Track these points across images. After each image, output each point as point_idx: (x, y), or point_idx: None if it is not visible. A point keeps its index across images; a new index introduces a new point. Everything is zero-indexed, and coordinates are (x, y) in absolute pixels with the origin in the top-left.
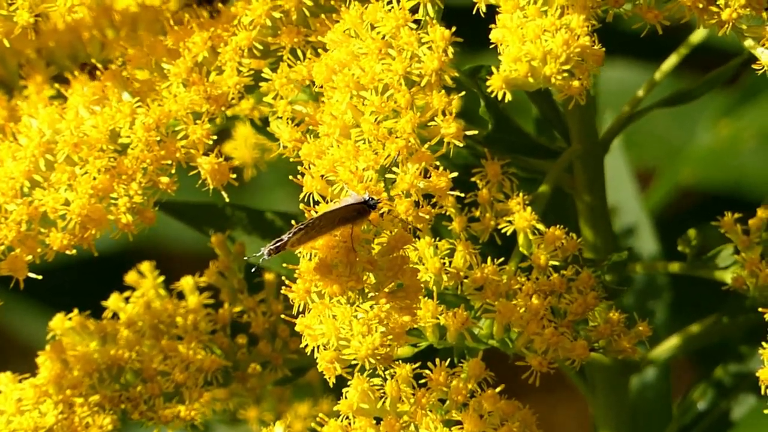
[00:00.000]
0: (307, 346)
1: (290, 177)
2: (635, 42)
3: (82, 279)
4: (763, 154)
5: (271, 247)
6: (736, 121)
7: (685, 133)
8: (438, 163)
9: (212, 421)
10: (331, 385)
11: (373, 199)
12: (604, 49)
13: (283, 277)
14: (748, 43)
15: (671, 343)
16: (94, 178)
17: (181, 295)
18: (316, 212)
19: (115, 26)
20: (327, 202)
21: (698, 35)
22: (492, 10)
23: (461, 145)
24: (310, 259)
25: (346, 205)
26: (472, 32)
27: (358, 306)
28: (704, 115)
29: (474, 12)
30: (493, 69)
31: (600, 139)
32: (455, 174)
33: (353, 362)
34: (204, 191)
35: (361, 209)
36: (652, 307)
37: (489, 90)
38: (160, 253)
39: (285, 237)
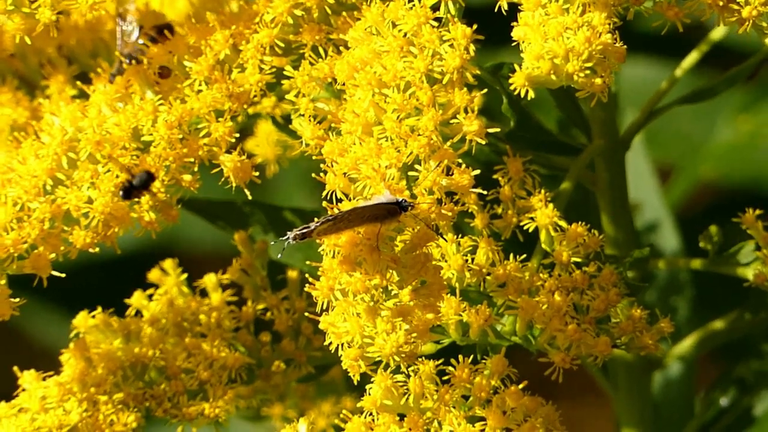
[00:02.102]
0: (330, 343)
1: (313, 175)
2: (658, 40)
3: (105, 283)
4: None
5: (297, 233)
6: (756, 117)
7: (706, 129)
8: (460, 160)
9: (236, 418)
10: (355, 382)
11: (405, 201)
12: (625, 46)
13: (307, 275)
14: None
15: (693, 339)
16: (117, 176)
17: (204, 293)
18: (338, 209)
19: None
20: (349, 200)
21: (719, 32)
22: (513, 9)
23: (483, 142)
24: (333, 257)
25: (378, 203)
26: (492, 32)
27: (381, 303)
28: (724, 112)
29: (495, 10)
30: (516, 67)
31: (621, 136)
32: (477, 171)
33: (377, 359)
34: (225, 189)
35: (392, 209)
36: (674, 304)
37: (511, 87)
38: (182, 256)
39: (312, 225)
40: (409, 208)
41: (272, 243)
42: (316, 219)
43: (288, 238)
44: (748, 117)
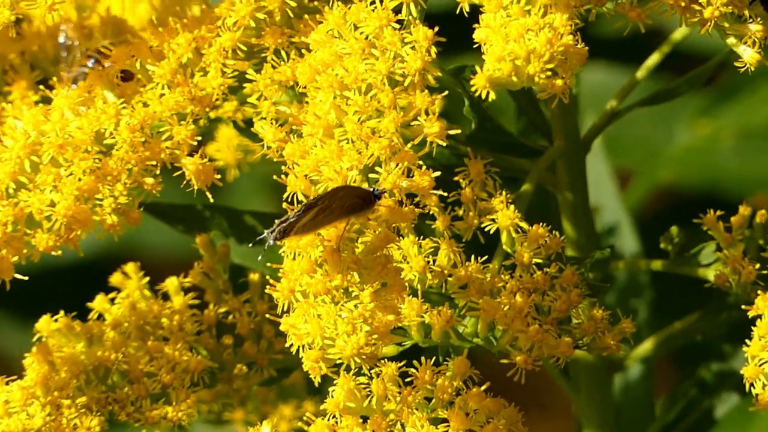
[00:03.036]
0: (292, 345)
1: (274, 177)
2: (616, 46)
3: (67, 288)
4: (741, 153)
5: (278, 228)
6: (715, 121)
7: (664, 134)
8: (421, 162)
9: (198, 422)
10: (316, 384)
11: (377, 190)
12: (587, 47)
13: (268, 277)
14: (731, 41)
15: (654, 341)
16: (80, 180)
17: (166, 297)
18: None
19: (95, 34)
20: None
21: (680, 34)
22: (473, 12)
23: (444, 144)
24: (294, 258)
25: (359, 192)
26: (453, 37)
27: (342, 305)
28: (682, 116)
29: (457, 12)
30: (477, 68)
31: (582, 138)
32: (438, 173)
33: (338, 361)
34: (185, 194)
35: (367, 198)
36: (634, 306)
37: (473, 89)
38: (142, 261)
39: (291, 217)
40: (382, 195)
41: (250, 245)
42: (291, 208)
43: (268, 233)
44: (707, 121)
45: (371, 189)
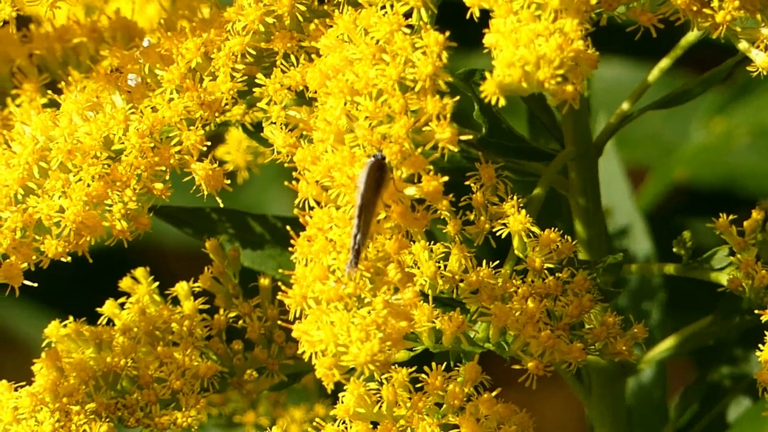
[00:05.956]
0: (303, 351)
1: (285, 183)
2: (628, 40)
3: (77, 275)
4: (756, 151)
5: (352, 261)
6: (730, 118)
7: (679, 131)
8: (430, 167)
9: (208, 425)
10: (329, 391)
11: (377, 155)
12: (597, 53)
13: (279, 283)
14: (743, 45)
15: (666, 344)
16: (88, 185)
17: (176, 301)
18: (311, 215)
19: (104, 37)
20: (321, 207)
21: (691, 37)
22: (484, 13)
23: (456, 150)
24: (306, 264)
25: (369, 167)
26: (462, 30)
27: (355, 311)
28: (697, 113)
29: (467, 17)
30: (487, 74)
31: (594, 141)
32: (446, 178)
33: (351, 368)
34: (198, 196)
35: (380, 166)
36: (646, 308)
37: (482, 95)
38: (155, 248)
39: (355, 242)
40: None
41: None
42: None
43: (351, 265)
44: (722, 118)
45: (373, 157)
